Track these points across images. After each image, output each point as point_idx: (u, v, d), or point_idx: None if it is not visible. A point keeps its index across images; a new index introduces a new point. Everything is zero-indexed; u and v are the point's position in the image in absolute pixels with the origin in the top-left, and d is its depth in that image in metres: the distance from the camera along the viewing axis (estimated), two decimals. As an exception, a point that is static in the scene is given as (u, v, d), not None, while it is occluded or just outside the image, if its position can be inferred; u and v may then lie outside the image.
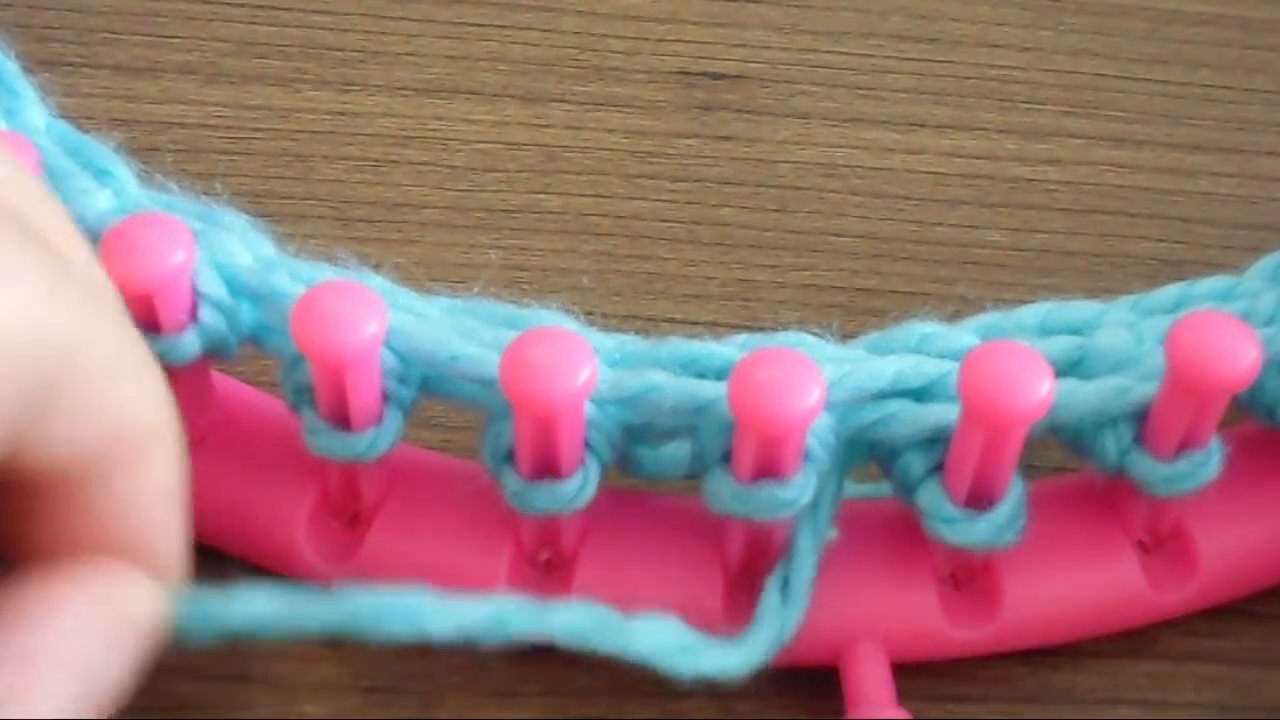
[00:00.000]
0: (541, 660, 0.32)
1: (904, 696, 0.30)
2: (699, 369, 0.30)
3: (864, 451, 0.31)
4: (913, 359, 0.30)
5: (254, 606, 0.27)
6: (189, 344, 0.31)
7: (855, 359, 0.31)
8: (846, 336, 0.32)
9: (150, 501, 0.27)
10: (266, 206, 0.38)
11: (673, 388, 0.30)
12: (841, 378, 0.30)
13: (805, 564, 0.30)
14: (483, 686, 0.32)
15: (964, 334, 0.31)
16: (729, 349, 0.30)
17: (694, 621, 0.31)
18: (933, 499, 0.30)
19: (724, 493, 0.29)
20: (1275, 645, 0.33)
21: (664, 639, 0.28)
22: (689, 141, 0.41)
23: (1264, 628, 0.33)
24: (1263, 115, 0.42)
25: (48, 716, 0.24)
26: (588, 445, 0.30)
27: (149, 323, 0.30)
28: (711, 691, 0.32)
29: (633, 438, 0.31)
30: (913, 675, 0.31)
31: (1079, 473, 0.32)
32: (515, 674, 0.32)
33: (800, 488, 0.29)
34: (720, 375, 0.30)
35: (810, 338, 0.31)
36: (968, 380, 0.28)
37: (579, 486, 0.30)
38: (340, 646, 0.32)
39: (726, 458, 0.29)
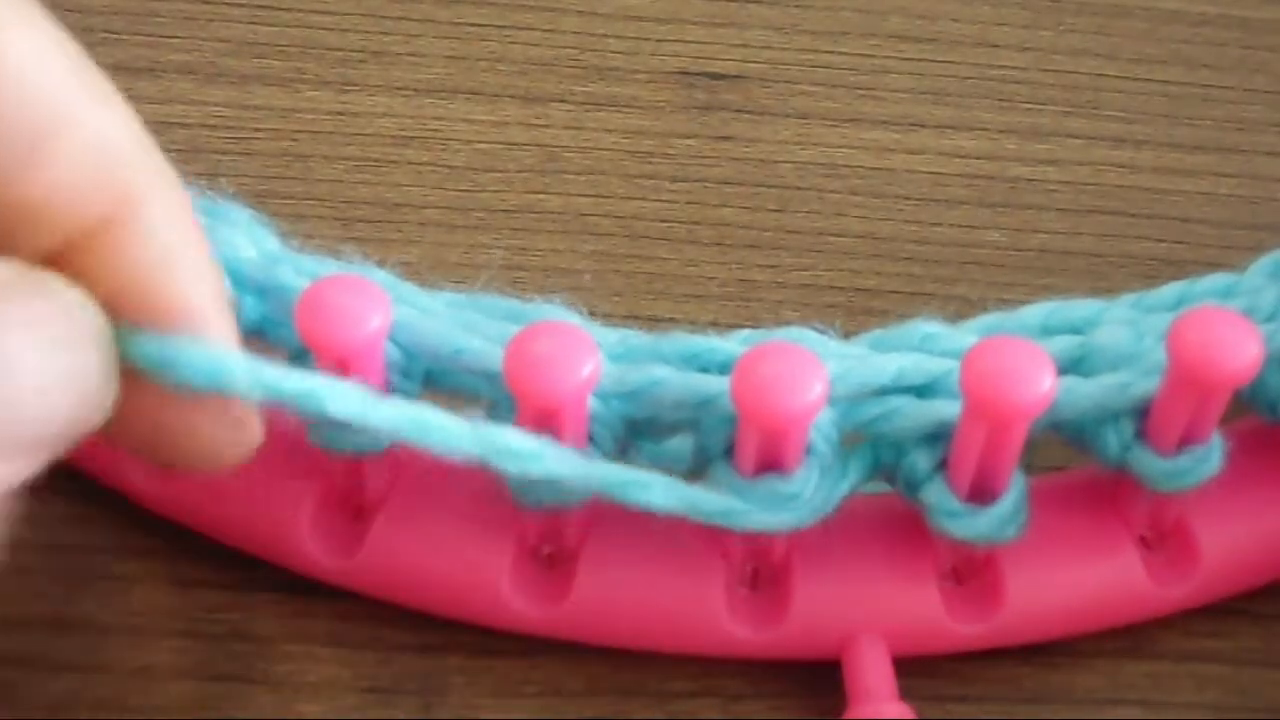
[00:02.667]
0: (541, 660, 0.32)
1: (905, 696, 0.30)
2: (702, 363, 0.30)
3: (870, 465, 0.31)
4: (915, 356, 0.30)
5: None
6: (192, 339, 0.31)
7: (857, 355, 0.31)
8: (847, 336, 0.32)
9: (157, 260, 0.25)
10: (267, 206, 0.37)
11: (676, 382, 0.30)
12: (844, 373, 0.30)
13: None
14: (483, 686, 0.32)
15: (966, 334, 0.31)
16: (731, 344, 0.30)
17: (696, 616, 0.31)
18: (937, 494, 0.30)
19: (726, 487, 0.29)
20: (1275, 645, 0.33)
21: None
22: (689, 141, 0.41)
23: (1264, 628, 0.33)
24: (1263, 115, 0.42)
25: None
26: (591, 439, 0.30)
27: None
28: (713, 691, 0.32)
29: (635, 432, 0.31)
30: (913, 675, 0.31)
31: (1080, 469, 0.32)
32: (515, 674, 0.32)
33: (803, 482, 0.29)
34: (723, 370, 0.30)
35: (812, 333, 0.31)
36: (970, 375, 0.28)
37: (582, 480, 0.30)
38: (340, 646, 0.32)
39: (729, 452, 0.29)
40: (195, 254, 0.26)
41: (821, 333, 0.31)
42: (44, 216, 0.25)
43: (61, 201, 0.24)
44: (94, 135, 0.25)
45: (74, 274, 0.25)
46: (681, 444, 0.31)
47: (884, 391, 0.30)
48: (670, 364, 0.30)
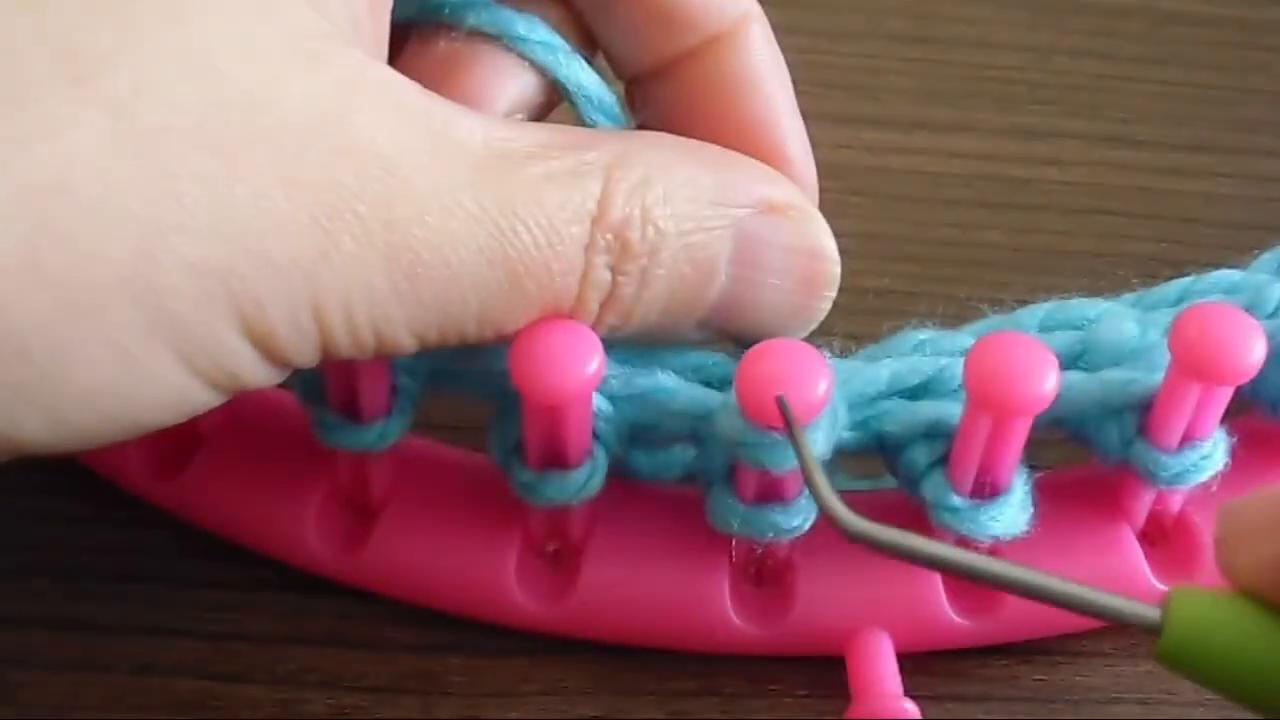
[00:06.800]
0: (542, 660, 0.32)
1: (904, 694, 0.30)
2: (705, 376, 0.30)
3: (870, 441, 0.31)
4: (908, 360, 0.30)
5: None
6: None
7: (850, 369, 0.30)
8: (846, 336, 0.32)
9: (761, 76, 0.28)
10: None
11: (681, 391, 0.29)
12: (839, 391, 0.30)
13: None
14: (483, 686, 0.32)
15: (962, 337, 0.31)
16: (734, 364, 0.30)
17: (701, 613, 0.31)
18: (937, 490, 0.30)
19: (727, 512, 0.30)
20: (1275, 644, 0.33)
21: None
22: (689, 142, 0.40)
23: (1264, 627, 0.33)
24: (1262, 115, 0.42)
25: None
26: (595, 436, 0.29)
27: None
28: (713, 690, 0.32)
29: (633, 440, 0.31)
30: (913, 674, 0.31)
31: (1083, 464, 0.32)
32: (515, 674, 0.32)
33: (804, 513, 0.29)
34: (723, 385, 0.30)
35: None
36: (974, 371, 0.28)
37: (587, 476, 0.29)
38: (341, 646, 0.32)
39: (730, 474, 0.29)
40: (787, 91, 0.29)
41: (819, 345, 0.31)
42: (687, 17, 0.27)
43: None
44: None
45: (678, 84, 0.28)
46: (677, 454, 0.31)
47: (879, 398, 0.30)
48: (676, 372, 0.30)
